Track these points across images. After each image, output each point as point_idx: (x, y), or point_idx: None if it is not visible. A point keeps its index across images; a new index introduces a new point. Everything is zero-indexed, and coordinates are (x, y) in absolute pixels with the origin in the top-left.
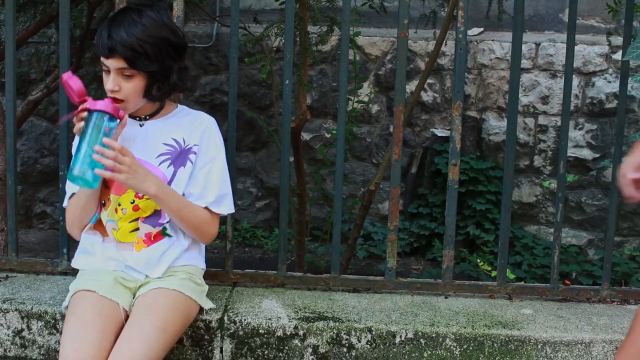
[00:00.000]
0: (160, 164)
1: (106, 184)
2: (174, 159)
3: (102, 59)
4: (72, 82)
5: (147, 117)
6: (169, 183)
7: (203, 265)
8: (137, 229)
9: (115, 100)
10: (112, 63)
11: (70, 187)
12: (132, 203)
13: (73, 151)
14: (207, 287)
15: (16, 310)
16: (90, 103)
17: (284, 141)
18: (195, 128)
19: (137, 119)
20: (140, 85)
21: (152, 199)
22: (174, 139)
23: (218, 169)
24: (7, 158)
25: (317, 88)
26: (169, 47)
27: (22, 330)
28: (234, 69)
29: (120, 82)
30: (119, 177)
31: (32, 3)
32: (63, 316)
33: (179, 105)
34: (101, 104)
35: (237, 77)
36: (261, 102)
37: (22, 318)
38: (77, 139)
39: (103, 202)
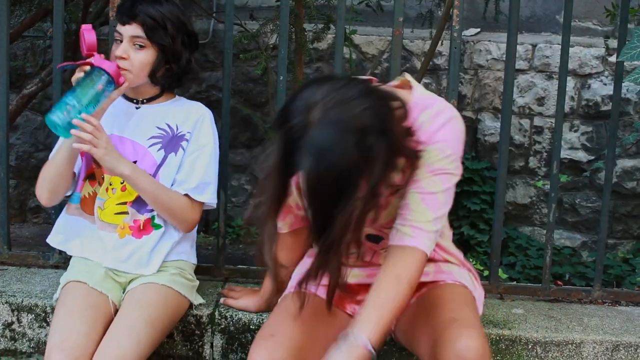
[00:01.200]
0: (150, 146)
1: (97, 163)
2: (165, 143)
3: (118, 27)
4: (87, 34)
5: (145, 101)
6: (159, 167)
7: (194, 260)
8: (125, 212)
9: (120, 68)
10: (128, 30)
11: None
12: (122, 183)
13: None
14: (197, 282)
15: (6, 302)
16: (96, 59)
17: None
18: (190, 116)
19: (135, 101)
20: (149, 60)
21: (125, 180)
22: (167, 124)
23: (205, 157)
24: None
25: None
26: (185, 33)
27: (12, 323)
28: (228, 64)
29: (130, 51)
30: (96, 152)
31: None
32: (53, 309)
33: (177, 95)
34: (106, 64)
35: (232, 73)
36: (257, 99)
37: (12, 311)
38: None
39: (98, 181)
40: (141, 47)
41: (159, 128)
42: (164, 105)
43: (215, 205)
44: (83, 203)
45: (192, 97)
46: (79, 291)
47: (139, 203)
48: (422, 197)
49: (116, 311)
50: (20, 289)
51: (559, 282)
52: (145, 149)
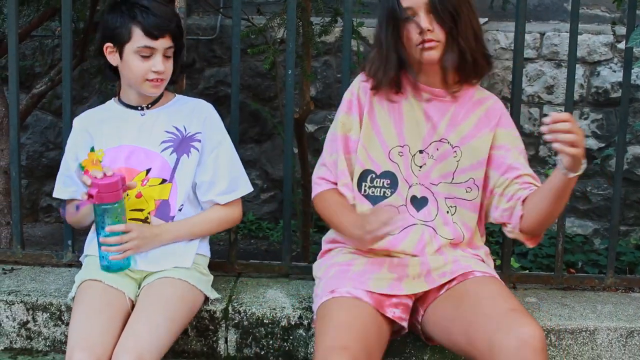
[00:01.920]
0: (162, 151)
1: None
2: (176, 146)
3: (148, 42)
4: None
5: (149, 106)
6: (173, 170)
7: (208, 254)
8: (143, 219)
9: (158, 80)
10: (162, 43)
11: (60, 182)
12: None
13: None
14: (212, 277)
15: (21, 302)
16: (97, 195)
17: (287, 132)
18: (196, 116)
19: (139, 108)
20: (174, 65)
21: (169, 243)
22: (175, 127)
23: (226, 153)
24: (10, 151)
25: (322, 79)
26: (181, 27)
27: (28, 322)
28: (236, 60)
29: (165, 63)
30: (132, 253)
31: None
32: (68, 308)
33: (176, 94)
34: (111, 195)
35: (240, 68)
36: (265, 93)
37: (28, 310)
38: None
39: None
40: (168, 57)
41: (167, 132)
42: (168, 108)
43: (252, 189)
44: None
45: (200, 93)
46: (96, 289)
47: (162, 212)
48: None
49: (133, 306)
50: (34, 288)
51: (572, 270)
52: (158, 155)
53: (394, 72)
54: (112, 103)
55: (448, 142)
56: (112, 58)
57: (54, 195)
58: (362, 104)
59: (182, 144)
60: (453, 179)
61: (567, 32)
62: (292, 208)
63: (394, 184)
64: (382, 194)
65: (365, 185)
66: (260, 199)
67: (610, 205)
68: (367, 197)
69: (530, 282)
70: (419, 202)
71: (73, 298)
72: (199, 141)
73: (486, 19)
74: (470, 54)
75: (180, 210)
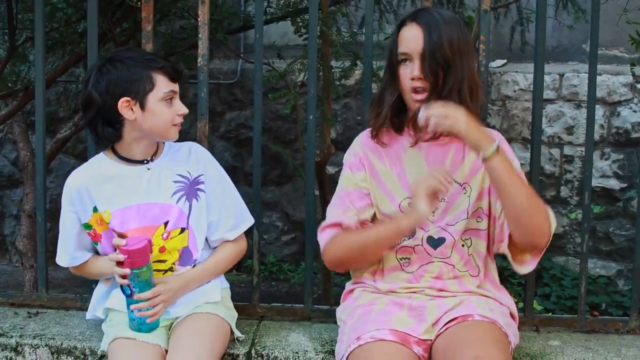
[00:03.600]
0: (177, 201)
1: (124, 237)
2: (187, 192)
3: (172, 86)
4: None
5: (153, 159)
6: (188, 217)
7: (226, 284)
8: (167, 269)
9: (180, 124)
10: (177, 86)
11: (62, 248)
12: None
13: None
14: (236, 313)
15: (46, 345)
16: (128, 261)
17: (309, 175)
18: (193, 159)
19: (144, 162)
20: None
21: (195, 289)
22: (180, 174)
23: (227, 187)
24: (37, 196)
25: (342, 122)
26: None
27: None
28: (258, 105)
29: None
30: (164, 309)
31: (61, 44)
32: (92, 351)
33: (164, 142)
34: (144, 258)
35: (262, 112)
36: (286, 136)
37: (52, 354)
38: None
39: None
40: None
41: (175, 182)
42: (166, 157)
43: (253, 220)
44: None
45: (221, 136)
46: (131, 349)
47: (185, 259)
48: None
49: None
50: (59, 331)
51: (595, 313)
52: (174, 206)
53: (389, 111)
54: (106, 159)
55: (455, 181)
56: (129, 112)
57: (58, 261)
58: (364, 163)
59: (191, 189)
60: (468, 215)
61: (586, 73)
62: (314, 250)
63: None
64: (399, 241)
65: None
66: (281, 240)
67: (633, 246)
68: None
69: (553, 324)
70: (435, 241)
71: (105, 352)
72: (203, 183)
73: (505, 61)
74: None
75: (200, 254)
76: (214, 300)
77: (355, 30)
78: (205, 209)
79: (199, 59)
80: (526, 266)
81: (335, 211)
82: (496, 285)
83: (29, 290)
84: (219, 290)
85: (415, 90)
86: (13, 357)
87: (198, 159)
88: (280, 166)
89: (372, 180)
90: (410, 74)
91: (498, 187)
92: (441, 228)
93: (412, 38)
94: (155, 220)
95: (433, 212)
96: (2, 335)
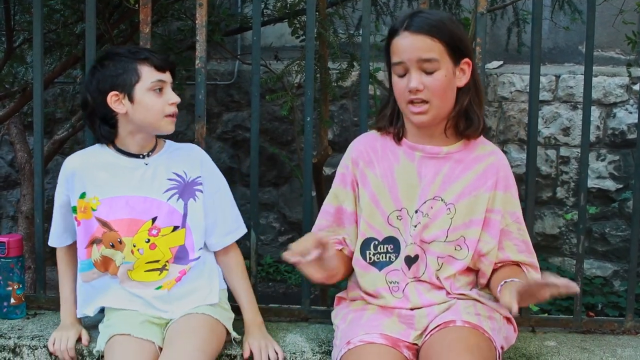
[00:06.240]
0: (169, 199)
1: (109, 227)
2: (181, 192)
3: (159, 75)
4: None
5: (150, 153)
6: (184, 217)
7: (224, 285)
8: (161, 268)
9: (174, 115)
10: (167, 77)
11: (53, 229)
12: (147, 242)
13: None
14: (233, 314)
15: (44, 347)
16: None
17: (306, 176)
18: (192, 160)
19: (141, 156)
20: None
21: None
22: (175, 173)
23: (226, 195)
24: (34, 197)
25: (339, 123)
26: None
27: None
28: (255, 107)
29: None
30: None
31: (58, 45)
32: (90, 352)
33: (165, 140)
34: None
35: (259, 114)
36: (283, 137)
37: (50, 354)
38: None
39: (112, 244)
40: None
41: (170, 179)
42: (164, 155)
43: (246, 229)
44: (97, 266)
45: (218, 137)
46: (126, 345)
47: (180, 258)
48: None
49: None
50: None
51: (591, 313)
52: (164, 203)
53: (389, 120)
54: (105, 148)
55: (442, 200)
56: (119, 106)
57: (49, 242)
58: (355, 177)
59: (187, 189)
60: (447, 237)
61: (582, 74)
62: None
63: (396, 248)
64: (387, 259)
65: (370, 253)
66: (278, 241)
67: (629, 247)
68: (372, 264)
69: (549, 325)
70: (411, 260)
71: (102, 351)
72: (201, 184)
73: (501, 62)
74: (466, 114)
75: (199, 255)
76: (211, 302)
77: (352, 32)
78: (203, 209)
79: (197, 61)
80: None
81: (317, 225)
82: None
83: (27, 292)
84: (216, 292)
85: (414, 106)
86: (11, 358)
87: (197, 161)
88: (277, 167)
89: (363, 190)
90: (407, 86)
91: None
92: (417, 245)
93: (407, 46)
94: (143, 214)
95: (415, 226)
96: (0, 337)
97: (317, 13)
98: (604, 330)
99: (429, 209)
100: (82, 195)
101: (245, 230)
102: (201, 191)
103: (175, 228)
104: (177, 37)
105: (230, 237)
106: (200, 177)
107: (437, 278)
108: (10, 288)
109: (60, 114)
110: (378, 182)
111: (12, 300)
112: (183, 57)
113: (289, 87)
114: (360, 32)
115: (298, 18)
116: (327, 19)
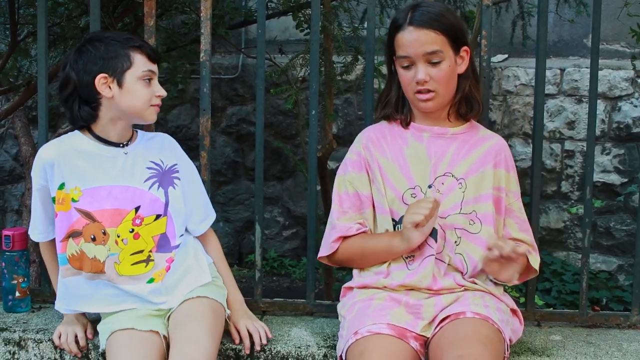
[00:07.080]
0: (150, 187)
1: (92, 218)
2: (160, 180)
3: (150, 66)
4: None
5: (128, 142)
6: (166, 205)
7: (210, 259)
8: (147, 260)
9: (158, 105)
10: (156, 68)
11: (32, 223)
12: (131, 232)
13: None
14: (225, 290)
15: (49, 340)
16: None
17: (311, 170)
18: (166, 148)
19: (121, 145)
20: None
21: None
22: (153, 162)
23: (197, 182)
24: None
25: (343, 117)
26: None
27: None
28: (260, 101)
29: None
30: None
31: (62, 39)
32: (95, 346)
33: (137, 130)
34: None
35: (264, 108)
36: (287, 131)
37: (55, 348)
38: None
39: (93, 236)
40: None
41: (148, 168)
42: (140, 143)
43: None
44: (72, 261)
45: (222, 131)
46: (131, 340)
47: (162, 246)
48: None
49: (167, 344)
50: None
51: (596, 308)
52: (146, 192)
53: (393, 108)
54: (81, 136)
55: (452, 175)
56: (106, 90)
57: (31, 236)
58: (367, 161)
59: (165, 177)
60: (461, 209)
61: (587, 67)
62: (316, 246)
63: None
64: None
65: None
66: (282, 236)
67: (634, 241)
68: None
69: (554, 319)
70: (434, 234)
71: (104, 350)
72: (178, 172)
73: (506, 55)
74: (467, 98)
75: (180, 242)
76: (205, 282)
77: (356, 25)
78: (182, 196)
79: (202, 54)
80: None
81: (341, 221)
82: (493, 282)
83: (32, 285)
84: (207, 269)
85: (421, 96)
86: (16, 351)
87: (171, 149)
88: (281, 161)
89: (378, 174)
90: (413, 77)
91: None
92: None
93: (413, 41)
94: (127, 204)
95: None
96: (5, 330)
97: (321, 6)
98: (610, 324)
99: (440, 185)
100: (61, 186)
101: (214, 216)
102: (179, 179)
103: (158, 217)
104: (181, 30)
105: (205, 224)
106: (176, 164)
107: (458, 254)
108: (15, 281)
109: (63, 108)
110: (389, 164)
111: (17, 294)
112: (187, 51)
113: (293, 80)
114: (365, 25)
115: (302, 11)
116: (331, 12)
